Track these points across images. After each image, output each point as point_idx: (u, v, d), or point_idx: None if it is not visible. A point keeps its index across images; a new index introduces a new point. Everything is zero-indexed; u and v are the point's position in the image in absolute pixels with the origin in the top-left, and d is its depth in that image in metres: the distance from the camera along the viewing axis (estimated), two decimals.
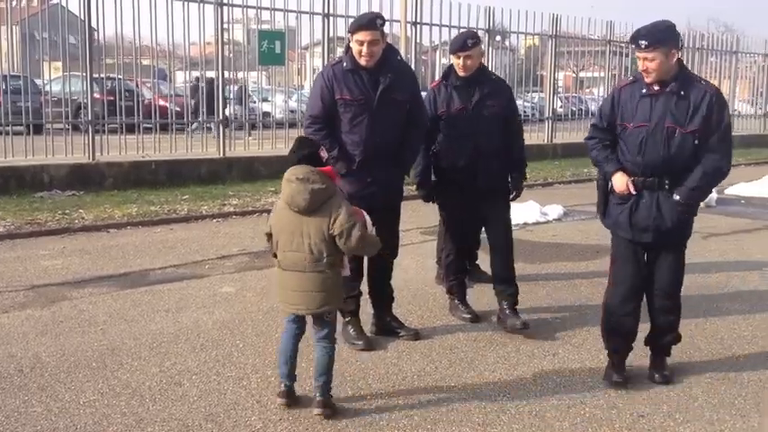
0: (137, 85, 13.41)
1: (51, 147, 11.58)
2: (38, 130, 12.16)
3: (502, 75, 19.66)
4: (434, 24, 16.12)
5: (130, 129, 12.85)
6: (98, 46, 12.55)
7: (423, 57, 17.32)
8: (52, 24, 12.64)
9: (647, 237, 4.42)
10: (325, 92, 4.90)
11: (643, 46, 4.22)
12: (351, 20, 7.40)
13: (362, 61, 4.82)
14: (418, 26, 15.76)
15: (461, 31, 14.65)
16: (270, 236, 4.02)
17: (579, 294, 6.49)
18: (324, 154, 3.94)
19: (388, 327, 5.27)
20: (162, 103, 14.32)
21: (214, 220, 9.78)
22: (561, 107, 21.21)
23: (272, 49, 13.35)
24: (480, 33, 17.39)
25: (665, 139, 4.30)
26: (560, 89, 23.85)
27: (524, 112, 18.50)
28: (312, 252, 3.84)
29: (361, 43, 4.77)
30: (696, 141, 4.26)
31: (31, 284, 6.52)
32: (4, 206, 9.67)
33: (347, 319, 5.14)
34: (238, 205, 10.66)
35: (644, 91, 4.36)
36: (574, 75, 25.14)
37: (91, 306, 5.91)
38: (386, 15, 15.09)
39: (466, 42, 5.25)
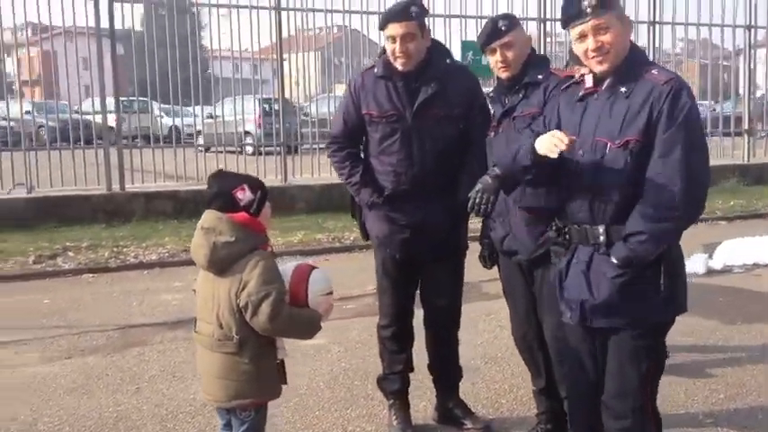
0: None
1: (236, 168, 11.48)
2: (296, 150, 12.33)
3: None
4: (679, 23, 14.01)
5: None
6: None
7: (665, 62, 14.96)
8: (346, 49, 13.02)
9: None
10: (350, 106, 3.80)
11: (588, 10, 2.62)
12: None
13: (398, 63, 3.62)
14: (657, 26, 13.77)
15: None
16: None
17: (737, 382, 4.64)
18: (242, 195, 2.83)
19: (450, 415, 4.00)
20: None
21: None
22: None
23: (478, 60, 12.24)
24: (739, 31, 14.65)
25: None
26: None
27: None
28: (221, 326, 2.80)
29: (393, 39, 3.59)
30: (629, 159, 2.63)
31: (127, 324, 6.07)
32: (178, 231, 9.55)
33: (390, 402, 3.97)
34: None
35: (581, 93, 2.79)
36: None
37: (157, 355, 5.29)
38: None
39: (497, 26, 3.42)
